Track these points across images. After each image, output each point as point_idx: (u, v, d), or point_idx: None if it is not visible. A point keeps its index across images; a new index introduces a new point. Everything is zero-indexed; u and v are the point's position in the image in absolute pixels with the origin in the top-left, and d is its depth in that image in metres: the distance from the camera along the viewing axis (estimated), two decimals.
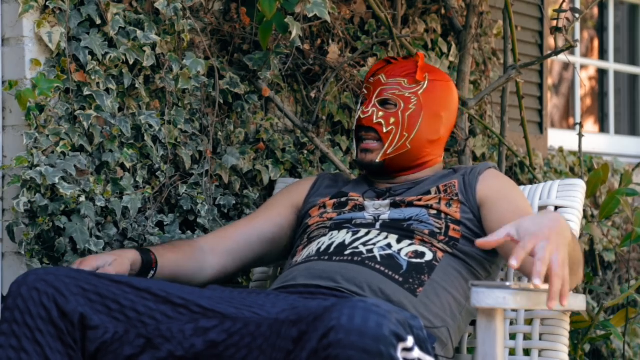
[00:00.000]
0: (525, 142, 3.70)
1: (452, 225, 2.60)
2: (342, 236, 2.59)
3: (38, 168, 2.69)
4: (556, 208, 2.73)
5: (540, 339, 2.60)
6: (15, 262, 2.79)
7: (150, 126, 2.92)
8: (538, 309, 2.52)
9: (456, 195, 2.64)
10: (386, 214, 2.64)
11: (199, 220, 3.01)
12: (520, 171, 4.15)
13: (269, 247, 2.81)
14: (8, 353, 2.21)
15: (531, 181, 4.12)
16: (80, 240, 2.74)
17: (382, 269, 2.49)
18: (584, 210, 4.32)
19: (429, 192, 2.67)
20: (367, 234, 2.59)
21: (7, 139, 2.80)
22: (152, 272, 2.57)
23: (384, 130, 2.73)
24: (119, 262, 2.49)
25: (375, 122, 2.74)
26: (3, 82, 2.80)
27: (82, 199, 2.74)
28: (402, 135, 2.73)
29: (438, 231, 2.59)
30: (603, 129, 5.46)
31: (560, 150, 4.63)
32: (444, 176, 2.73)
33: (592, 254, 4.48)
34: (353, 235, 2.58)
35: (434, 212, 2.62)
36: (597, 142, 5.20)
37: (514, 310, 2.68)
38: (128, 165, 2.88)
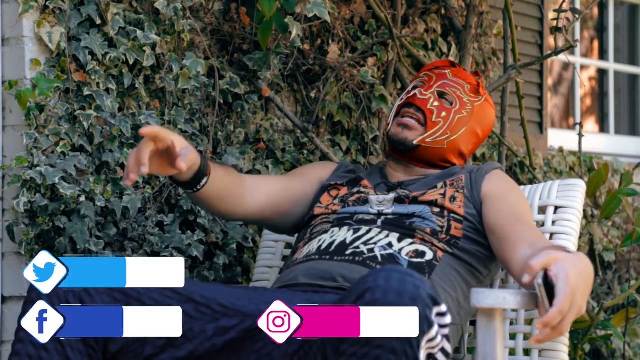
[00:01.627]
0: (525, 142, 3.70)
1: (454, 224, 2.61)
2: (343, 234, 2.59)
3: (38, 168, 2.69)
4: (556, 208, 2.73)
5: None
6: (15, 262, 2.78)
7: None
8: None
9: (462, 188, 2.66)
10: (389, 209, 2.65)
11: (199, 220, 3.00)
12: (520, 171, 4.15)
13: (293, 207, 2.76)
14: (28, 350, 2.20)
15: (531, 181, 4.12)
16: (80, 240, 2.73)
17: None
18: (584, 210, 4.31)
19: (435, 187, 2.68)
20: (368, 231, 2.59)
21: (7, 139, 2.80)
22: (204, 180, 2.50)
23: (433, 119, 2.75)
24: (190, 154, 2.37)
25: (428, 107, 2.76)
26: (3, 82, 2.80)
27: (82, 199, 2.74)
28: (445, 132, 2.75)
29: (440, 229, 2.59)
30: (603, 129, 5.46)
31: (560, 150, 4.63)
32: (452, 172, 2.75)
33: (592, 254, 4.48)
34: (354, 233, 2.58)
35: (437, 209, 2.62)
36: (597, 142, 5.20)
37: (514, 310, 2.68)
38: None
